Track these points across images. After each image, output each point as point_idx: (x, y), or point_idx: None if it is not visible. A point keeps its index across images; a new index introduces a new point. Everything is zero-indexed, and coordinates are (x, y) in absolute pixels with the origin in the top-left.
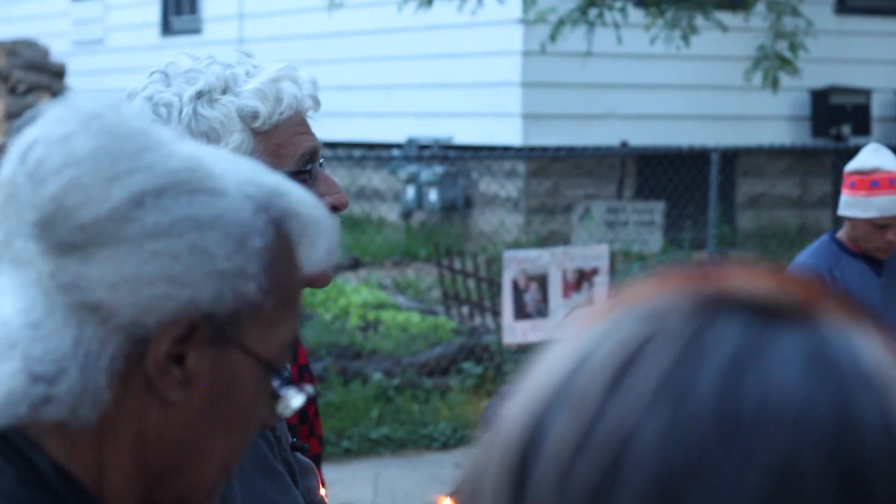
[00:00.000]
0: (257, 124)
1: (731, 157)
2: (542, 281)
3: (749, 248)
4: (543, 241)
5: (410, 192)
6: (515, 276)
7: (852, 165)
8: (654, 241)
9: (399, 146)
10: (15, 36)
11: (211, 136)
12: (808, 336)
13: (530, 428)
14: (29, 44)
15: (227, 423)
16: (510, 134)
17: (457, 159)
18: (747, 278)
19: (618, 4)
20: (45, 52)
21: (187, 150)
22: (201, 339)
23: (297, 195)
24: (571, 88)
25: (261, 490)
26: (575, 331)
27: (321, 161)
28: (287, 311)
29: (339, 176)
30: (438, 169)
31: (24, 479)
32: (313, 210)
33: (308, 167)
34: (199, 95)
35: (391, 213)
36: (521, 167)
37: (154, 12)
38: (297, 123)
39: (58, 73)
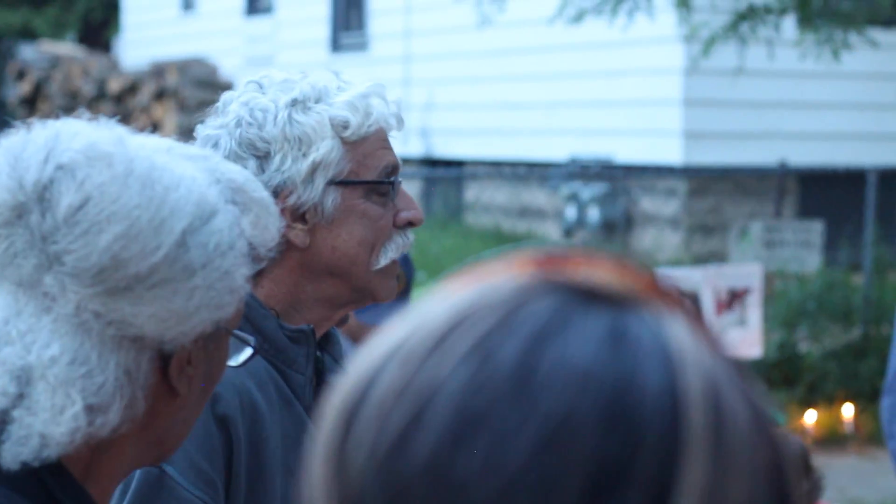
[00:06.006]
0: (347, 133)
1: None
2: (693, 300)
3: None
4: (702, 260)
5: (571, 210)
6: None
7: None
8: (812, 261)
9: (561, 164)
10: (190, 53)
11: (304, 140)
12: (617, 317)
13: (365, 379)
14: (198, 61)
15: (206, 393)
16: (671, 152)
17: (618, 178)
18: (590, 266)
19: (770, 18)
20: (213, 70)
21: (179, 172)
22: (206, 336)
23: (243, 178)
24: (732, 107)
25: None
26: (424, 302)
27: (399, 179)
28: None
29: (502, 193)
30: (599, 187)
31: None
32: (262, 194)
33: (391, 179)
34: (294, 103)
35: (553, 230)
36: (681, 186)
37: (323, 29)
38: (381, 139)
39: (226, 89)
